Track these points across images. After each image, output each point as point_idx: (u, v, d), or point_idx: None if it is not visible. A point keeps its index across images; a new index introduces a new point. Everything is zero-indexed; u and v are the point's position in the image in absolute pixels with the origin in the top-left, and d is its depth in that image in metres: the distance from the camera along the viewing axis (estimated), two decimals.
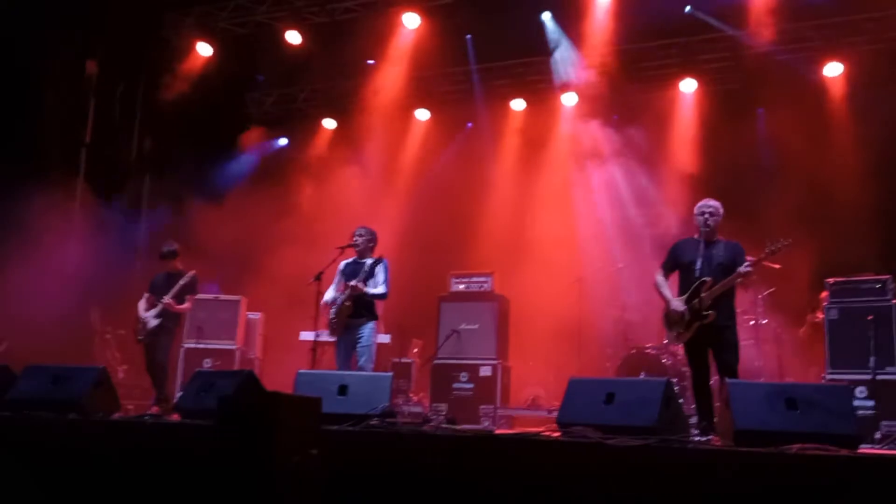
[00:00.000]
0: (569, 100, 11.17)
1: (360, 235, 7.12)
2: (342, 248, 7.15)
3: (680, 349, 7.85)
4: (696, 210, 6.01)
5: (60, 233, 10.13)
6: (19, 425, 5.24)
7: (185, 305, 7.84)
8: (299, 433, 3.54)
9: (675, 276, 6.12)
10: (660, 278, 6.11)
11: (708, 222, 5.91)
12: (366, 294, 6.90)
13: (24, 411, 5.46)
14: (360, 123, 11.66)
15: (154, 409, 7.23)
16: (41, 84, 10.24)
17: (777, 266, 7.31)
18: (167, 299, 7.61)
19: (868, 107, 9.52)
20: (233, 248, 10.71)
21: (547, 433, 4.48)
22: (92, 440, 4.99)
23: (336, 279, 7.18)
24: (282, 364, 9.33)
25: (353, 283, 6.85)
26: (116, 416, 5.92)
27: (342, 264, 7.19)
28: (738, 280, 5.69)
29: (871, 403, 6.81)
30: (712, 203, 5.99)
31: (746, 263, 5.63)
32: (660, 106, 10.65)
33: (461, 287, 8.87)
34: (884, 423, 6.69)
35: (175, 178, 10.92)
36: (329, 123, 12.34)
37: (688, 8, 9.76)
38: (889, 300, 7.08)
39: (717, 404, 5.45)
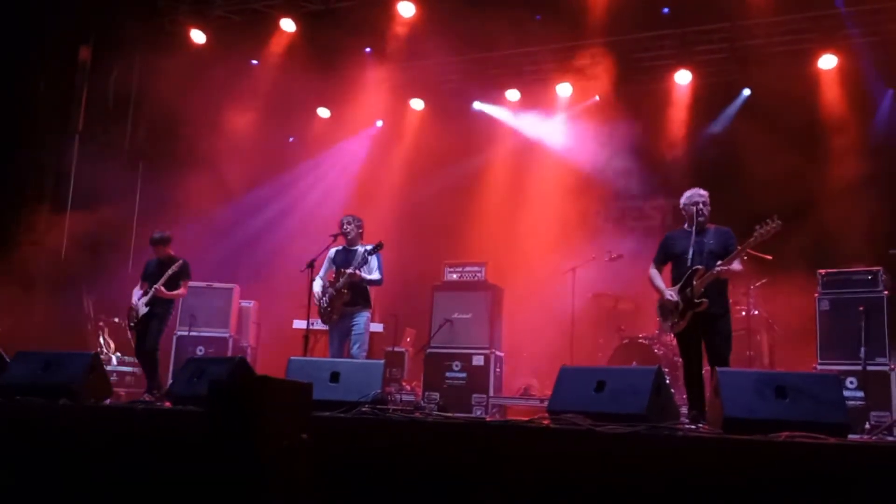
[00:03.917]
0: (563, 91, 11.15)
1: (349, 223, 7.23)
2: (334, 237, 7.24)
3: (672, 339, 7.89)
4: (685, 201, 6.02)
5: (53, 221, 10.11)
6: (10, 410, 5.25)
7: (180, 291, 7.84)
8: (290, 418, 3.54)
9: (668, 271, 6.14)
10: (653, 271, 6.15)
11: (702, 211, 5.93)
12: (362, 280, 6.98)
13: (15, 396, 5.47)
14: (355, 113, 11.63)
15: (146, 397, 7.24)
16: (33, 71, 10.18)
17: (768, 257, 7.34)
18: (159, 286, 7.61)
19: (862, 98, 9.55)
20: (227, 235, 10.71)
21: (537, 420, 4.50)
22: (83, 426, 4.99)
23: (325, 267, 7.25)
24: (275, 352, 9.34)
25: (350, 270, 6.93)
26: (108, 402, 5.93)
27: (332, 252, 7.28)
28: (724, 277, 5.70)
29: (860, 394, 6.85)
30: (702, 192, 6.01)
31: (719, 263, 5.64)
32: (654, 97, 10.64)
33: (455, 276, 8.87)
34: (873, 413, 6.73)
35: (169, 165, 10.87)
36: (323, 112, 12.31)
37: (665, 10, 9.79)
38: (880, 291, 7.12)
39: (708, 394, 5.47)
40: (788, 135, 9.29)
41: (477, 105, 11.76)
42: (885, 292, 7.11)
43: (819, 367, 7.16)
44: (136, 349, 7.87)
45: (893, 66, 9.40)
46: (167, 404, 5.71)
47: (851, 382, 6.90)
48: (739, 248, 5.68)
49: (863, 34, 9.45)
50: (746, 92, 10.44)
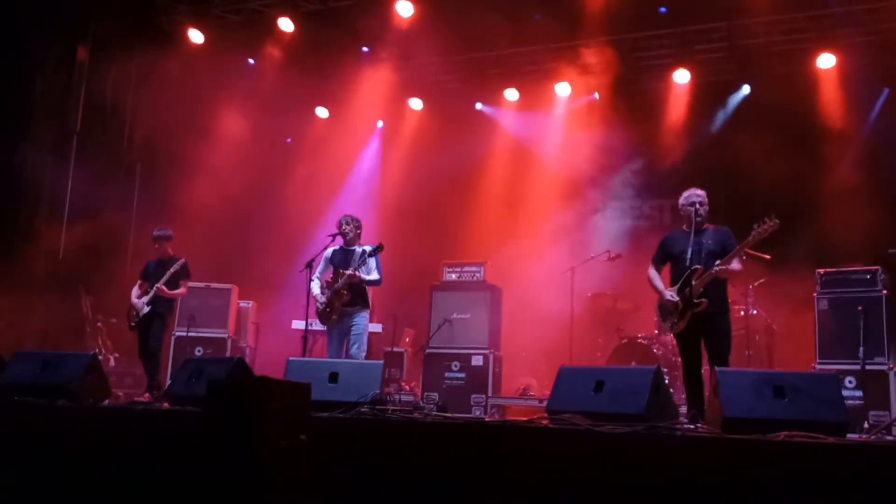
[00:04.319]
0: (562, 90, 11.15)
1: (348, 224, 7.23)
2: (332, 237, 7.25)
3: (671, 339, 7.90)
4: (683, 201, 6.02)
5: (51, 222, 10.09)
6: (9, 410, 5.24)
7: (180, 290, 7.85)
8: (288, 418, 3.53)
9: (667, 271, 6.14)
10: (651, 271, 6.14)
11: (699, 211, 5.92)
12: (361, 281, 6.99)
13: (13, 397, 5.46)
14: (354, 113, 11.62)
15: (145, 397, 7.23)
16: (32, 70, 10.16)
17: (767, 257, 7.34)
18: (160, 285, 7.62)
19: (860, 97, 9.56)
20: (225, 236, 10.69)
21: (537, 420, 4.50)
22: (82, 426, 4.98)
23: (321, 266, 7.26)
24: (273, 353, 9.33)
25: (349, 271, 6.94)
26: (106, 402, 5.92)
27: (329, 251, 7.28)
28: (723, 277, 5.70)
29: (859, 394, 6.85)
30: (700, 192, 6.01)
31: (718, 263, 5.63)
32: (653, 96, 10.65)
33: (454, 276, 8.87)
34: (872, 412, 6.73)
35: (167, 165, 10.85)
36: (322, 112, 12.30)
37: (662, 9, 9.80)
38: (879, 291, 7.12)
39: (707, 394, 5.47)
40: (787, 134, 9.28)
41: (478, 106, 11.76)
42: (884, 292, 7.11)
43: (818, 366, 7.16)
44: (140, 349, 7.87)
45: (891, 64, 9.40)
46: (165, 405, 5.70)
47: (850, 382, 6.90)
48: (738, 246, 5.68)
49: (860, 33, 9.46)
50: (745, 91, 10.45)
